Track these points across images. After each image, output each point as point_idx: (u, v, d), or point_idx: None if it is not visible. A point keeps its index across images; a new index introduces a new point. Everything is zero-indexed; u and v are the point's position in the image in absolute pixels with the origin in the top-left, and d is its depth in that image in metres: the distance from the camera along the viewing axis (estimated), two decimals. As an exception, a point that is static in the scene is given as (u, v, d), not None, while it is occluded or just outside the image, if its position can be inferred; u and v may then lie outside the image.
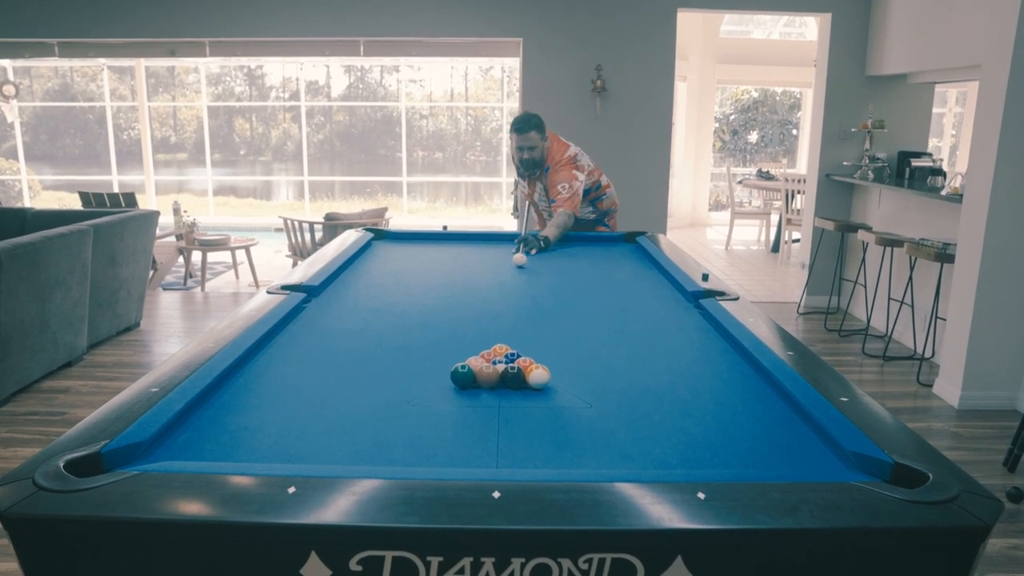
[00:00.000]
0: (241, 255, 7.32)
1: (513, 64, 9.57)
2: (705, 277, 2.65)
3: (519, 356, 1.70)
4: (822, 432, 1.40)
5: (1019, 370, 3.90)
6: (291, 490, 1.10)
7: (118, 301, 4.86)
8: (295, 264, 6.56)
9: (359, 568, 1.03)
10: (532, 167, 3.73)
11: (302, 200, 12.33)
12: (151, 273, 6.55)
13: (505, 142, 12.20)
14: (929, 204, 4.83)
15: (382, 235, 3.71)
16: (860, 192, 5.74)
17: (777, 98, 13.58)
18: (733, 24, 10.62)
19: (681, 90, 10.17)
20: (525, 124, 3.62)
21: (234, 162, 13.00)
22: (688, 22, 9.29)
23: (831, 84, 5.63)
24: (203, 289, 6.70)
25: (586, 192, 3.80)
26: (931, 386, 4.19)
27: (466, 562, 1.03)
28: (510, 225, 4.40)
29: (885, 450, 1.26)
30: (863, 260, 5.41)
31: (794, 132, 13.40)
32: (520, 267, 3.02)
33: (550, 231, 3.46)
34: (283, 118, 12.97)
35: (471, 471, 1.25)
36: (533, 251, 3.28)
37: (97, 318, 4.63)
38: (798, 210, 7.76)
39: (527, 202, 4.00)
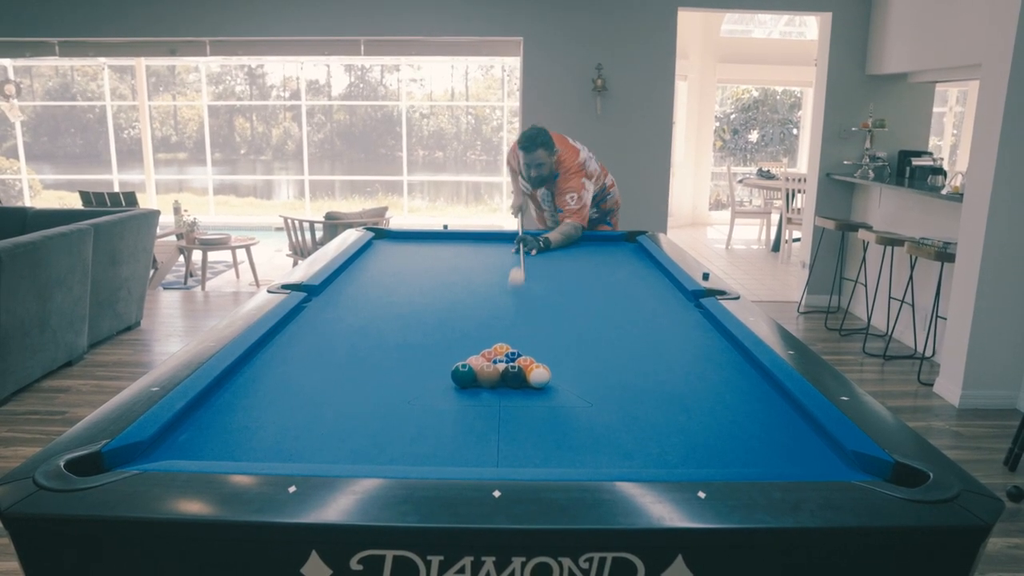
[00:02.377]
0: (241, 254, 7.32)
1: (514, 63, 9.57)
2: (706, 276, 2.65)
3: (520, 355, 1.70)
4: (823, 431, 1.40)
5: (1020, 369, 3.89)
6: (291, 489, 1.10)
7: (118, 300, 4.86)
8: (295, 263, 6.56)
9: (360, 567, 1.03)
10: (540, 183, 3.68)
11: (302, 199, 12.33)
12: (151, 272, 6.55)
13: (506, 141, 12.19)
14: (930, 203, 4.83)
15: (382, 234, 3.71)
16: (860, 191, 5.73)
17: (777, 97, 13.57)
18: (733, 23, 10.61)
19: (682, 89, 10.16)
20: (531, 143, 3.53)
21: (234, 161, 13.00)
22: (688, 21, 9.29)
23: (831, 83, 5.63)
24: (203, 288, 6.70)
25: (592, 198, 3.76)
26: (932, 385, 4.19)
27: (467, 561, 1.03)
28: (510, 224, 4.40)
29: (886, 449, 1.26)
30: (863, 259, 5.41)
31: (794, 132, 13.39)
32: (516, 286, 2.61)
33: (554, 236, 3.40)
34: (283, 117, 12.97)
35: (471, 470, 1.25)
36: (533, 251, 3.24)
37: (97, 317, 4.63)
38: (798, 209, 7.75)
39: (526, 198, 3.96)
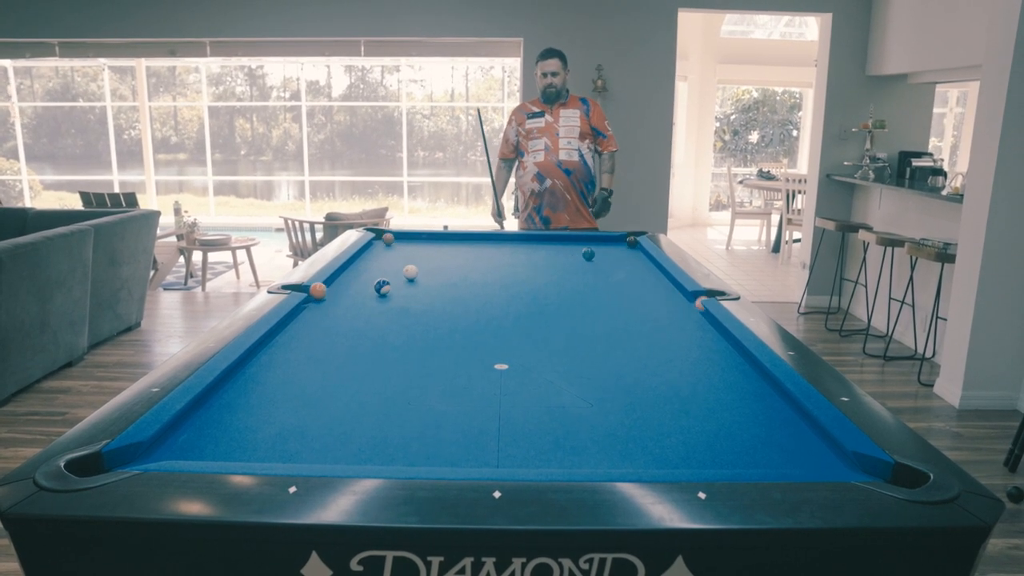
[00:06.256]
0: (242, 255, 7.32)
1: (514, 64, 9.57)
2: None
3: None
4: (823, 432, 1.40)
5: (1020, 370, 3.89)
6: (292, 490, 1.10)
7: (119, 301, 4.86)
8: (296, 264, 6.56)
9: (360, 568, 1.03)
10: (554, 97, 4.13)
11: (303, 200, 12.33)
12: (152, 273, 6.55)
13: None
14: (930, 204, 4.83)
15: (383, 235, 3.71)
16: (861, 192, 5.73)
17: (777, 98, 13.57)
18: (734, 24, 10.62)
19: (682, 90, 10.16)
20: (549, 51, 4.13)
21: (235, 162, 13.00)
22: (689, 22, 9.29)
23: (832, 84, 5.63)
24: (204, 289, 6.70)
25: (599, 132, 4.20)
26: (932, 386, 4.19)
27: (467, 562, 1.03)
28: (510, 224, 4.42)
29: (886, 450, 1.26)
30: (864, 260, 5.41)
31: (794, 133, 13.39)
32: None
33: (607, 180, 4.18)
34: (284, 118, 12.97)
35: (472, 471, 1.25)
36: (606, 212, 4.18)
37: (98, 318, 4.63)
38: (799, 210, 7.75)
39: (514, 161, 4.33)
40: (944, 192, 4.52)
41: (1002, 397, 3.91)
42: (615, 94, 5.75)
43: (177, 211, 7.32)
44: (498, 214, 4.40)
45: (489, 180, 4.50)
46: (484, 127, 4.48)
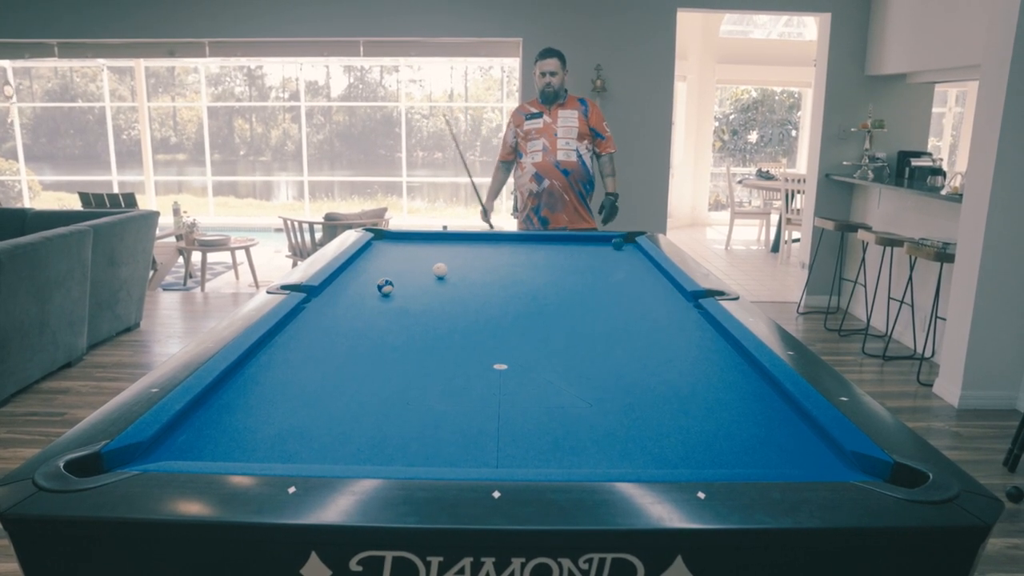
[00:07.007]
0: (241, 255, 7.32)
1: (513, 64, 9.57)
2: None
3: None
4: (822, 432, 1.40)
5: (1019, 369, 3.90)
6: (291, 490, 1.10)
7: (118, 302, 4.86)
8: (295, 264, 6.56)
9: (359, 568, 1.03)
10: (552, 97, 4.14)
11: (302, 200, 12.32)
12: (151, 273, 6.54)
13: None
14: (929, 204, 4.83)
15: (382, 235, 3.71)
16: (860, 192, 5.74)
17: (776, 98, 13.58)
18: (733, 24, 10.62)
19: (681, 90, 10.16)
20: (548, 50, 4.13)
21: (234, 162, 12.99)
22: (688, 22, 9.29)
23: (831, 84, 5.63)
24: (203, 289, 6.70)
25: (597, 133, 4.20)
26: (931, 386, 4.19)
27: (466, 562, 1.03)
28: (510, 225, 4.42)
29: (885, 450, 1.26)
30: (863, 260, 5.41)
31: (793, 133, 13.40)
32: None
33: (611, 184, 4.19)
34: (283, 118, 12.96)
35: (471, 471, 1.25)
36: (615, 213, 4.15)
37: (97, 318, 4.62)
38: (798, 210, 7.75)
39: (515, 160, 4.31)
40: (943, 192, 4.52)
41: (1001, 397, 3.91)
42: (614, 94, 5.75)
43: (176, 211, 7.31)
44: (485, 216, 4.40)
45: (470, 184, 4.53)
46: (458, 133, 4.53)
